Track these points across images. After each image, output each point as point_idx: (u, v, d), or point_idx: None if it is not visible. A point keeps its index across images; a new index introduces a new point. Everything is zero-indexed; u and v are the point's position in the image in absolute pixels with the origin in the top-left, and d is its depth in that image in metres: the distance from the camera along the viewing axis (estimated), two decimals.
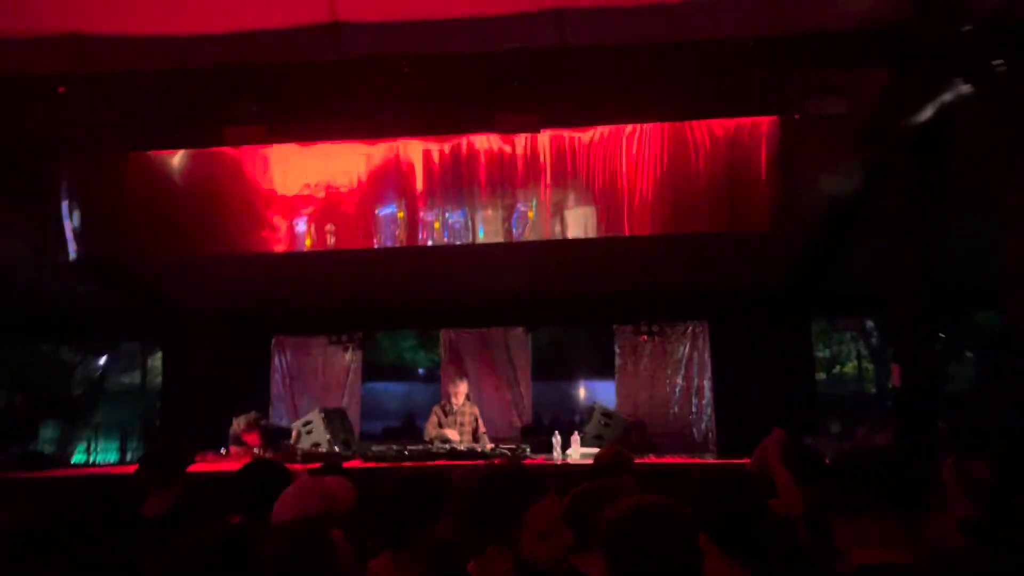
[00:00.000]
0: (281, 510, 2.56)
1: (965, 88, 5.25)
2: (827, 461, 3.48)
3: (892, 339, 8.46)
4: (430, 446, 7.51)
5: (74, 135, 7.18)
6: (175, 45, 5.74)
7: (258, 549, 2.02)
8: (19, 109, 6.41)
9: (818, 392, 11.69)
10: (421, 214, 8.59)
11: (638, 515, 1.98)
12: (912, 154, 6.26)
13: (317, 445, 7.71)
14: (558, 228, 8.44)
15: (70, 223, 8.50)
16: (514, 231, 8.52)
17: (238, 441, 7.87)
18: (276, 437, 8.02)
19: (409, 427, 12.83)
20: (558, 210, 8.44)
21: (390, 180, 8.56)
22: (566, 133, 8.21)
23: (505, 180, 8.42)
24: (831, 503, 2.03)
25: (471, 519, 2.12)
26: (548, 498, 2.12)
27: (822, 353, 15.30)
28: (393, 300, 9.80)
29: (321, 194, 8.63)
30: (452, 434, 7.72)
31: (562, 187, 8.38)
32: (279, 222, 8.67)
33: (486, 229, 8.57)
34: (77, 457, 13.14)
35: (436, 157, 8.49)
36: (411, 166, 8.54)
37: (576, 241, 8.41)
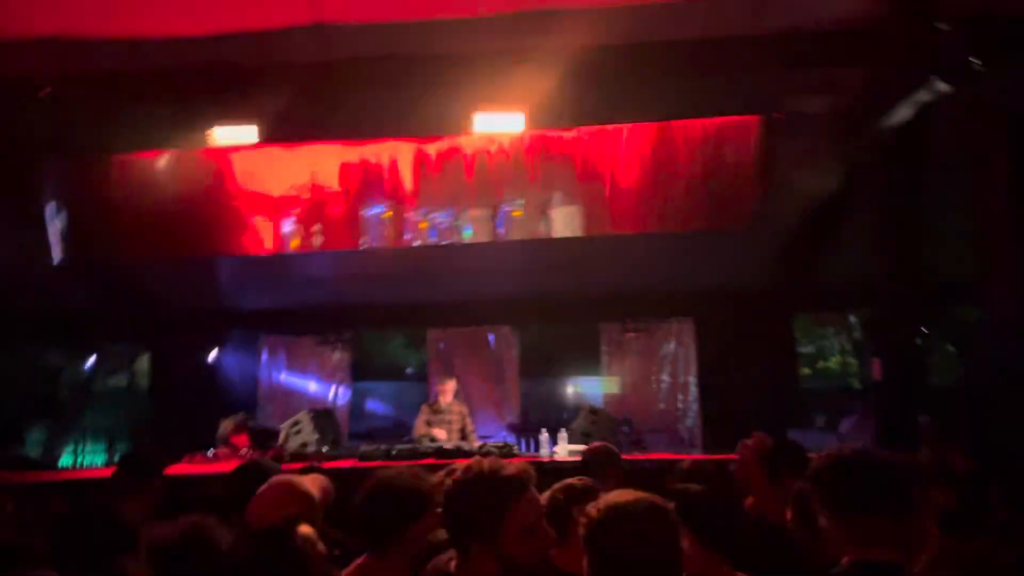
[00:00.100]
0: (256, 509, 2.54)
1: (942, 86, 5.33)
2: (809, 456, 3.53)
3: (871, 333, 8.55)
4: (418, 445, 7.52)
5: (58, 137, 7.16)
6: (159, 47, 5.75)
7: (226, 552, 2.04)
8: (2, 111, 6.39)
9: (802, 387, 11.78)
10: (407, 214, 8.61)
11: (619, 512, 1.98)
12: (891, 152, 6.33)
13: (305, 445, 7.72)
14: (544, 227, 8.48)
15: (55, 226, 8.46)
16: (500, 231, 8.55)
17: (226, 443, 7.86)
18: (264, 438, 8.00)
19: (398, 426, 12.82)
20: (544, 209, 8.48)
21: (376, 180, 8.58)
22: (551, 133, 8.24)
23: (491, 180, 8.45)
24: (822, 504, 2.05)
25: (454, 519, 2.14)
26: (531, 496, 2.13)
27: (806, 348, 15.37)
28: (380, 300, 9.80)
29: (307, 195, 8.63)
30: (440, 433, 7.74)
31: (548, 187, 8.42)
32: (265, 223, 8.67)
33: (473, 229, 8.60)
34: (64, 460, 13.04)
35: (422, 157, 8.51)
36: (397, 166, 8.55)
37: (562, 240, 8.45)
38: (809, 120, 6.63)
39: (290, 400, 10.05)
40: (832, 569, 1.99)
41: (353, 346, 10.58)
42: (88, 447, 13.82)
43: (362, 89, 6.27)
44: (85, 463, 12.84)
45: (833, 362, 16.62)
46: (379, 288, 9.33)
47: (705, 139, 8.08)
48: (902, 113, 5.80)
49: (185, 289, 9.39)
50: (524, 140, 8.25)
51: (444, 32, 5.66)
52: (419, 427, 7.90)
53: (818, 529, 2.07)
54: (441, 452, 7.14)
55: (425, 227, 8.59)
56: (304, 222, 8.63)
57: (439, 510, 2.27)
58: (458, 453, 7.05)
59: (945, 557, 2.72)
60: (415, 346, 15.69)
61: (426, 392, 9.88)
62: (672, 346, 9.87)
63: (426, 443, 7.56)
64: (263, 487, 2.62)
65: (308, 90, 6.38)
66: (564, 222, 8.41)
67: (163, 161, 8.47)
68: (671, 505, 2.03)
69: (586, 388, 12.81)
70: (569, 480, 2.79)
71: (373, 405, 14.87)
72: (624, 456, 4.44)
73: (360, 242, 8.64)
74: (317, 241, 8.63)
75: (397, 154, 8.49)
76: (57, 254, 8.48)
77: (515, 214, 8.49)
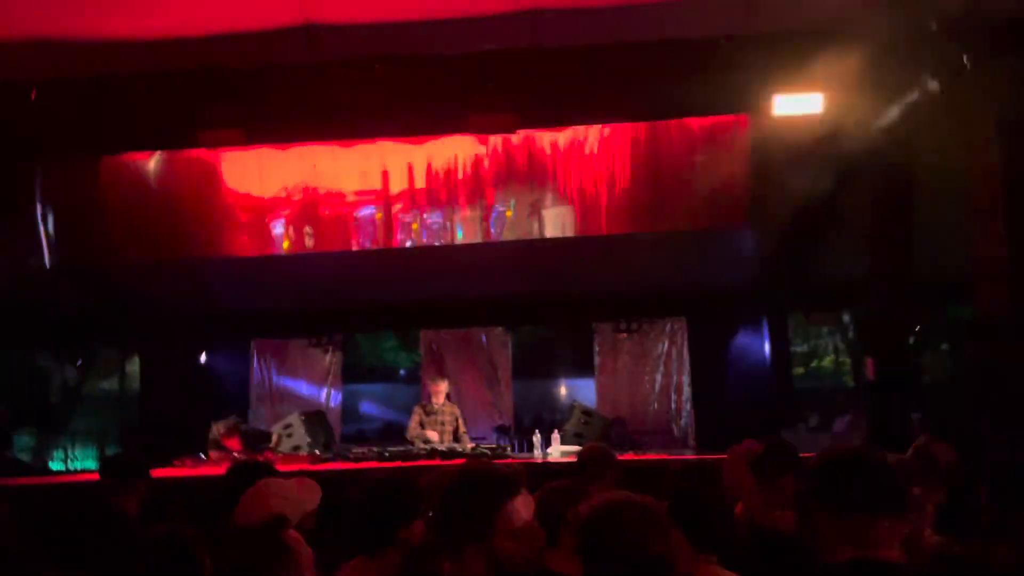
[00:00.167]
0: (243, 511, 2.53)
1: (932, 84, 5.34)
2: (802, 456, 3.52)
3: (864, 332, 8.57)
4: (411, 447, 7.50)
5: (47, 140, 7.12)
6: (148, 49, 5.71)
7: (212, 555, 2.02)
8: None
9: (796, 386, 11.79)
10: (399, 215, 8.59)
11: (611, 512, 1.98)
12: (882, 150, 6.35)
13: (297, 448, 7.69)
14: (536, 228, 8.48)
15: (44, 229, 8.41)
16: (492, 231, 8.54)
17: (218, 446, 7.82)
18: (256, 441, 7.97)
19: (390, 428, 12.80)
20: (535, 210, 8.48)
21: (367, 181, 8.56)
22: (542, 133, 8.24)
23: (482, 181, 8.45)
24: (818, 503, 2.04)
25: (445, 520, 2.13)
26: (522, 497, 2.12)
27: (800, 348, 15.41)
28: (372, 301, 9.78)
29: (298, 196, 8.61)
30: (433, 435, 7.72)
31: (539, 187, 8.42)
32: (256, 225, 8.64)
33: (464, 230, 8.59)
34: (55, 464, 12.99)
35: (413, 158, 8.49)
36: (388, 167, 8.54)
37: (554, 240, 8.45)
38: (801, 120, 6.63)
39: (281, 403, 10.01)
40: (829, 569, 1.98)
41: (345, 348, 10.55)
42: (78, 451, 13.78)
43: (351, 90, 6.25)
44: (75, 467, 12.78)
45: (827, 361, 16.67)
46: (371, 289, 9.30)
47: (697, 139, 8.09)
48: (893, 111, 5.81)
49: (175, 292, 9.35)
50: (515, 141, 8.25)
51: (433, 33, 5.64)
52: (413, 428, 7.87)
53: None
54: (434, 454, 7.13)
55: (417, 228, 8.58)
56: (295, 223, 8.61)
57: (431, 512, 2.25)
58: (451, 455, 7.03)
59: (938, 557, 2.71)
60: (407, 348, 15.68)
61: (418, 394, 9.86)
62: (665, 346, 9.87)
63: (419, 445, 7.54)
64: (250, 489, 2.60)
65: (298, 91, 6.36)
66: (556, 222, 8.41)
67: (153, 163, 8.44)
68: (663, 505, 2.03)
69: (579, 389, 12.81)
70: (560, 481, 2.78)
71: (365, 407, 14.83)
72: (618, 456, 4.42)
73: (351, 243, 8.62)
74: (308, 242, 8.61)
75: (388, 155, 8.47)
76: (47, 257, 8.43)
77: (507, 215, 8.48)
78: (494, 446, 7.61)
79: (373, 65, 5.95)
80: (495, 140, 8.28)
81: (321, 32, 5.61)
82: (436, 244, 8.57)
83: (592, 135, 8.26)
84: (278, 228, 8.62)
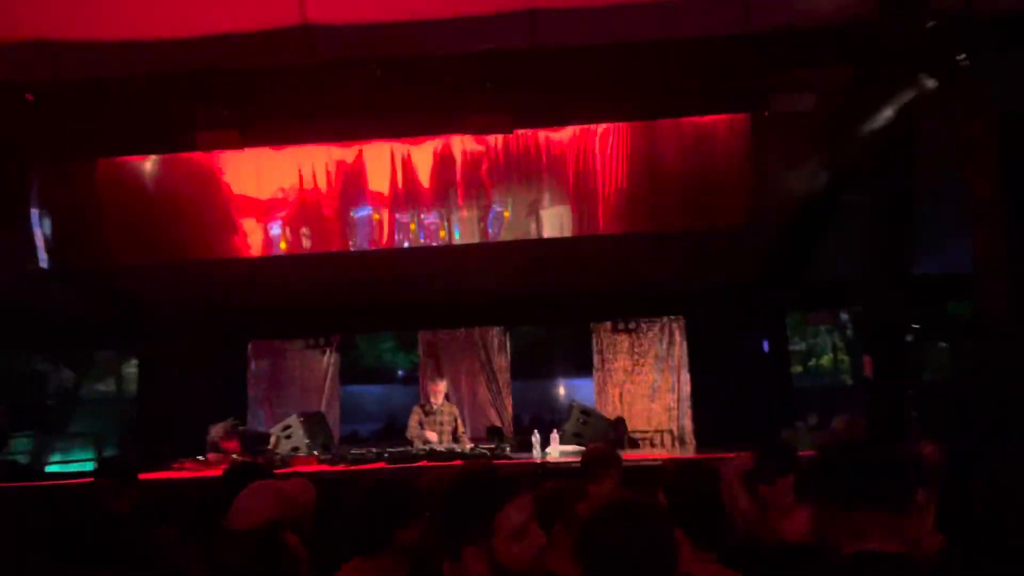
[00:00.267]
0: (237, 514, 2.52)
1: (930, 82, 5.34)
2: (800, 455, 3.52)
3: (863, 330, 8.57)
4: (410, 448, 7.50)
5: (43, 142, 7.11)
6: (144, 50, 5.69)
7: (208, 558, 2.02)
8: None
9: (794, 385, 11.81)
10: (396, 216, 8.58)
11: (612, 512, 1.98)
12: (879, 148, 6.35)
13: (296, 450, 7.68)
14: (534, 228, 8.47)
15: (41, 231, 8.40)
16: (490, 231, 8.54)
17: (216, 448, 7.81)
18: (255, 443, 7.97)
19: (390, 429, 12.80)
20: (533, 210, 8.47)
21: (364, 182, 8.55)
22: (540, 133, 8.24)
23: (480, 181, 8.44)
24: (821, 497, 2.04)
25: (445, 521, 2.13)
26: (521, 498, 2.12)
27: (798, 346, 15.45)
28: (370, 302, 9.77)
29: (295, 197, 8.60)
30: (432, 435, 7.72)
31: (537, 187, 8.41)
32: (253, 226, 8.63)
33: (462, 230, 8.58)
34: (52, 467, 12.98)
35: (410, 159, 8.48)
36: (385, 168, 8.52)
37: (552, 240, 8.44)
38: (798, 118, 6.63)
39: (280, 404, 10.00)
40: (833, 563, 1.98)
41: (343, 349, 10.54)
42: (76, 453, 13.76)
43: (349, 90, 6.24)
44: (73, 469, 12.76)
45: (825, 360, 16.70)
46: (368, 290, 9.30)
47: (694, 138, 8.09)
48: (890, 109, 5.81)
49: (172, 293, 9.34)
50: (513, 140, 8.24)
51: (430, 33, 5.63)
52: (412, 428, 7.87)
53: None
54: (433, 455, 7.12)
55: (414, 228, 8.57)
56: (292, 224, 8.59)
57: (429, 513, 2.25)
58: (450, 455, 7.03)
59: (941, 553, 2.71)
60: (405, 348, 15.69)
61: (417, 395, 9.85)
62: (663, 345, 9.87)
63: (418, 446, 7.53)
64: (244, 492, 2.60)
65: (295, 92, 6.34)
66: (554, 222, 8.41)
67: (149, 165, 8.43)
68: (663, 504, 2.02)
69: (578, 389, 12.82)
70: (557, 481, 2.78)
71: (364, 408, 14.83)
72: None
73: (349, 244, 8.61)
74: (305, 243, 8.60)
75: (385, 155, 8.46)
76: (43, 259, 8.42)
77: (505, 215, 8.48)
78: (493, 446, 7.59)
79: (371, 65, 5.94)
80: (493, 140, 8.28)
81: (318, 33, 5.60)
82: (434, 244, 8.56)
83: (590, 135, 8.25)
84: (275, 229, 8.61)
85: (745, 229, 8.10)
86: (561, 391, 14.69)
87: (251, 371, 10.24)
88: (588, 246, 8.51)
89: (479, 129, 7.24)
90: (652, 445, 9.22)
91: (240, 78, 6.16)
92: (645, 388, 9.85)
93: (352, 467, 6.98)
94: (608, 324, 10.00)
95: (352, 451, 7.69)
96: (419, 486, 2.59)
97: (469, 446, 7.62)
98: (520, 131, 7.87)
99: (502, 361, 10.14)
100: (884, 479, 1.95)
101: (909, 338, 6.77)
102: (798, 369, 15.23)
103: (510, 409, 10.09)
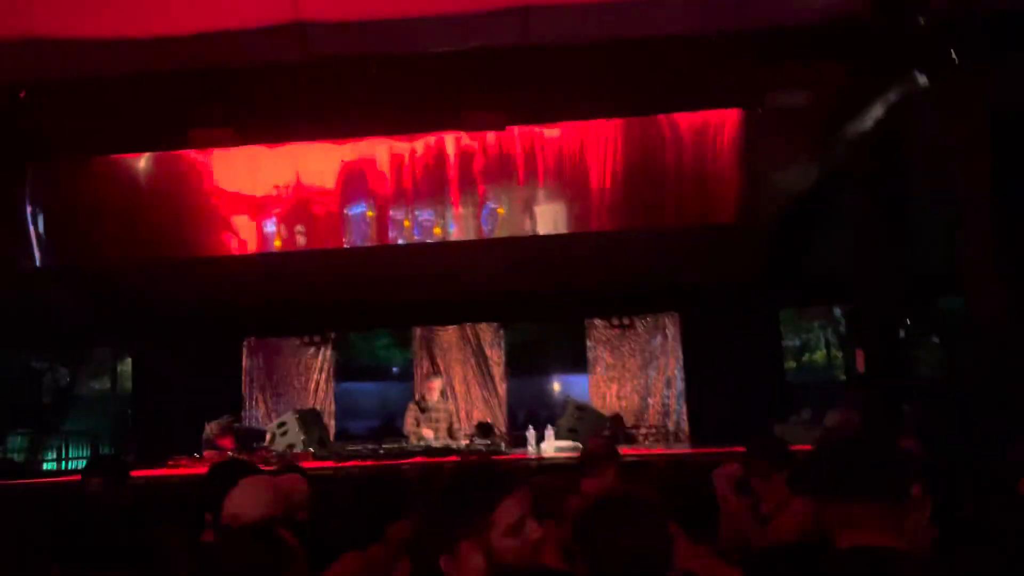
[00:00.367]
0: (230, 508, 2.53)
1: (922, 80, 5.36)
2: (793, 449, 3.54)
3: (856, 326, 8.61)
4: (406, 444, 7.51)
5: (36, 140, 7.09)
6: (137, 48, 5.68)
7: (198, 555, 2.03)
8: None
9: (789, 380, 11.84)
10: (391, 213, 8.59)
11: (608, 508, 1.99)
12: (872, 145, 6.37)
13: (292, 447, 7.69)
14: (528, 224, 8.48)
15: (35, 230, 8.38)
16: (485, 228, 8.55)
17: (212, 445, 7.82)
18: (250, 440, 7.98)
19: (387, 426, 12.82)
20: (528, 206, 8.48)
21: (359, 179, 8.55)
22: (533, 130, 8.25)
23: (475, 178, 8.45)
24: (815, 490, 2.05)
25: (442, 516, 2.14)
26: (519, 492, 2.13)
27: (792, 342, 15.49)
28: (365, 299, 9.77)
29: (290, 195, 8.59)
30: (428, 432, 7.73)
31: (531, 184, 8.43)
32: (248, 224, 8.63)
33: (457, 227, 8.59)
34: (48, 465, 12.95)
35: (405, 156, 8.49)
36: (380, 165, 8.53)
37: (546, 237, 8.46)
38: (792, 115, 6.65)
39: (275, 401, 10.01)
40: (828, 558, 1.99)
41: (338, 346, 10.54)
42: (71, 451, 13.74)
43: (343, 88, 6.24)
44: (69, 467, 12.74)
45: (819, 355, 16.75)
46: (363, 287, 9.30)
47: (688, 134, 8.11)
48: (882, 107, 5.83)
49: (167, 291, 9.34)
50: (507, 137, 8.25)
51: (424, 30, 5.63)
52: (408, 425, 7.88)
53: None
54: (429, 451, 7.14)
55: (409, 225, 8.57)
56: (287, 222, 8.59)
57: (425, 508, 2.26)
58: (446, 452, 7.04)
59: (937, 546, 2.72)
60: (400, 345, 15.68)
61: (412, 391, 9.86)
62: (658, 341, 9.90)
63: (414, 442, 7.55)
64: (236, 487, 2.61)
65: (289, 89, 6.34)
66: (548, 219, 8.43)
67: (144, 163, 8.41)
68: (658, 499, 2.04)
69: (573, 385, 12.84)
70: (550, 475, 2.80)
71: (359, 405, 14.84)
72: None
73: (344, 241, 8.61)
74: (300, 241, 8.60)
75: (380, 153, 8.47)
76: (38, 257, 8.40)
77: (499, 211, 8.49)
78: (488, 442, 7.61)
79: (364, 63, 5.94)
80: (487, 137, 8.28)
81: (311, 30, 5.60)
82: (428, 242, 8.57)
83: (584, 131, 8.27)
84: (270, 226, 8.61)
85: (739, 225, 8.13)
86: (556, 387, 14.72)
87: (246, 368, 10.23)
88: (582, 243, 8.53)
89: (473, 126, 7.24)
90: (646, 441, 9.25)
91: (234, 75, 6.16)
92: (639, 384, 9.88)
93: (348, 463, 6.99)
94: (602, 320, 10.02)
95: (348, 447, 7.70)
96: (414, 481, 2.61)
97: (465, 442, 7.64)
98: (514, 128, 7.88)
99: (497, 357, 10.16)
100: (879, 473, 1.97)
101: (902, 334, 6.79)
102: (792, 364, 15.27)
103: (505, 405, 10.10)
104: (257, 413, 9.96)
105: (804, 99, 6.06)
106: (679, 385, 9.75)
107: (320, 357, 10.22)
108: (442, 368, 9.84)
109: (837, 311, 14.35)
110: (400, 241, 8.59)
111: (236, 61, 5.95)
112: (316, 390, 10.15)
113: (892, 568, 1.85)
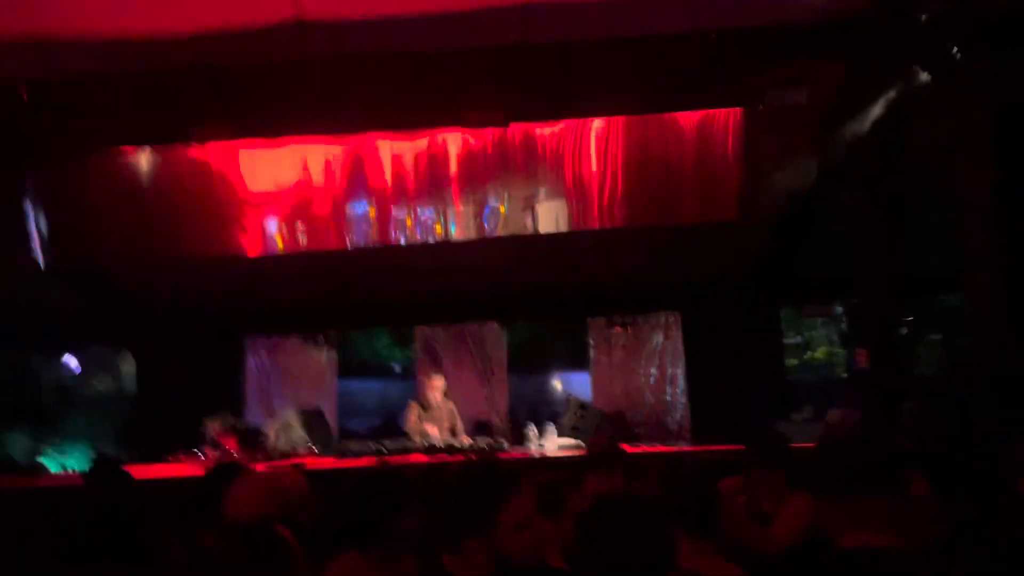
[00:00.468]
0: (232, 506, 2.53)
1: (922, 76, 5.36)
2: (795, 445, 3.54)
3: (857, 323, 8.61)
4: (408, 442, 7.52)
5: (37, 139, 7.09)
6: (138, 47, 5.70)
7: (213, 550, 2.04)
8: None
9: (790, 378, 11.83)
10: (392, 212, 8.59)
11: (611, 507, 2.00)
12: (872, 142, 6.37)
13: (294, 445, 7.69)
14: (529, 223, 8.48)
15: (36, 229, 8.38)
16: (486, 226, 8.55)
17: (214, 444, 7.82)
18: (252, 439, 7.97)
19: (390, 424, 12.82)
20: (529, 205, 8.48)
21: (360, 178, 8.55)
22: (534, 128, 8.24)
23: (475, 176, 8.45)
24: (817, 488, 2.06)
25: (447, 515, 2.14)
26: (524, 490, 2.14)
27: (793, 340, 15.45)
28: (366, 298, 9.77)
29: (290, 193, 8.59)
30: (431, 430, 7.74)
31: (532, 182, 8.42)
32: (249, 222, 8.62)
33: (458, 225, 8.59)
34: (49, 464, 12.95)
35: (406, 154, 8.49)
36: (381, 163, 8.53)
37: (548, 235, 8.46)
38: (792, 112, 6.65)
39: (277, 400, 10.00)
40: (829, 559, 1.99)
41: (340, 345, 10.54)
42: (72, 451, 13.73)
43: (343, 86, 6.24)
44: (69, 467, 12.75)
45: (820, 353, 16.71)
46: (364, 286, 9.30)
47: (689, 132, 8.11)
48: (883, 103, 5.83)
49: (168, 290, 9.33)
50: (508, 135, 8.24)
51: (424, 28, 5.64)
52: (411, 423, 7.89)
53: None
54: (431, 450, 7.15)
55: (410, 224, 8.57)
56: (288, 221, 8.59)
57: (429, 506, 2.27)
58: (448, 450, 7.05)
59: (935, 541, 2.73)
60: (402, 344, 15.66)
61: (414, 390, 9.86)
62: (659, 339, 9.89)
63: (416, 440, 7.56)
64: (238, 485, 2.61)
65: (289, 87, 6.34)
66: (550, 217, 8.42)
67: (145, 162, 8.41)
68: (661, 497, 2.04)
69: (575, 383, 12.83)
70: (553, 475, 2.80)
71: (361, 404, 14.83)
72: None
73: (345, 240, 8.61)
74: (301, 239, 8.60)
75: (381, 151, 8.46)
76: (39, 257, 8.40)
77: (500, 210, 8.49)
78: (491, 441, 7.62)
79: (364, 61, 5.95)
80: (488, 135, 8.28)
81: (312, 28, 5.61)
82: (430, 240, 8.57)
83: (584, 129, 8.26)
84: (271, 225, 8.61)
85: (741, 223, 8.13)
86: (557, 386, 14.71)
87: (248, 367, 10.23)
88: (584, 241, 8.53)
89: (473, 124, 7.25)
90: (648, 439, 9.25)
91: (234, 74, 6.17)
92: (641, 382, 9.88)
93: (351, 462, 7.00)
94: (604, 319, 10.02)
95: (351, 446, 7.71)
96: (417, 480, 2.61)
97: (467, 441, 7.65)
98: (514, 125, 7.88)
99: (499, 356, 10.16)
100: (881, 471, 1.97)
101: (903, 332, 6.80)
102: (793, 362, 15.25)
103: (506, 404, 10.10)
104: (259, 412, 9.95)
105: (804, 97, 6.06)
106: (680, 383, 9.75)
107: (322, 355, 10.23)
108: (444, 367, 9.83)
109: (839, 308, 14.33)
110: (401, 240, 8.59)
111: (237, 59, 5.97)
112: (317, 389, 10.16)
113: (893, 568, 1.86)
